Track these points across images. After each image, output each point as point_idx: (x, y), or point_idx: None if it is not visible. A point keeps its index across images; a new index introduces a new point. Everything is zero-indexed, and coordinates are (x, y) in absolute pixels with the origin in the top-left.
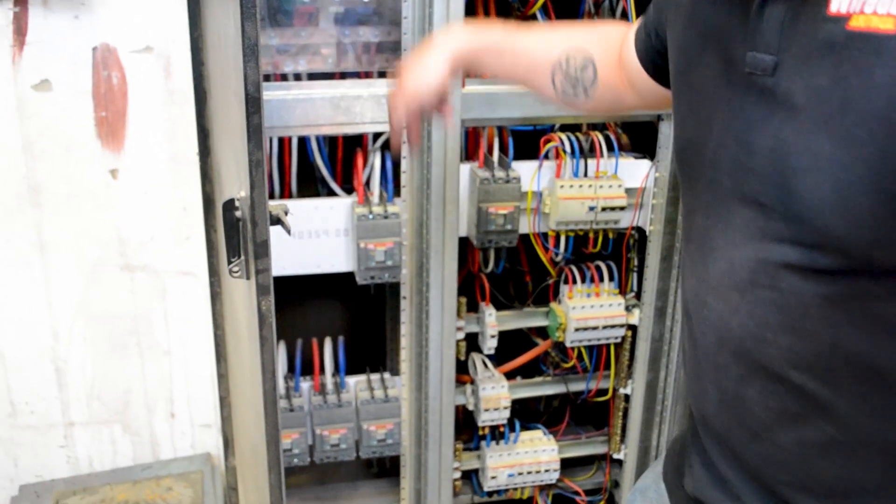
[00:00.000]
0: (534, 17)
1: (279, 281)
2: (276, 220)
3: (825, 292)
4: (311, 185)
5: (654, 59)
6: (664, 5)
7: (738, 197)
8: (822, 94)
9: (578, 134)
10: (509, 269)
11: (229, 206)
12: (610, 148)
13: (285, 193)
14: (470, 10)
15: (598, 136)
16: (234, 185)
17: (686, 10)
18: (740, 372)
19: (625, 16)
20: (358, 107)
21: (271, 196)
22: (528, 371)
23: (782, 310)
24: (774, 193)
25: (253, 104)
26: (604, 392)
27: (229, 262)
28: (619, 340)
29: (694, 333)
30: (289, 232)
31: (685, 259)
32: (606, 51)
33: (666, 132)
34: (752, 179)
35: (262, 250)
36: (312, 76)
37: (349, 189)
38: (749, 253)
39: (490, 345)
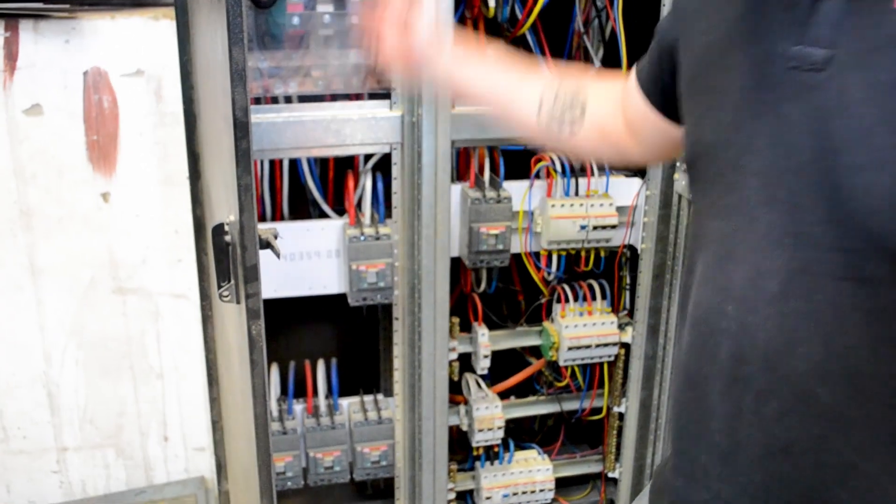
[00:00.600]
0: (523, 38)
1: (271, 303)
2: (266, 245)
3: (868, 304)
4: (303, 207)
5: (663, 87)
6: (673, 24)
7: (766, 200)
8: (886, 89)
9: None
10: (502, 289)
11: (219, 230)
12: (601, 167)
13: (277, 215)
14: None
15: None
16: (224, 208)
17: (706, 16)
18: (761, 387)
19: (613, 36)
20: (348, 129)
21: (262, 218)
22: (522, 390)
23: (817, 322)
24: (817, 195)
25: (241, 129)
26: (598, 411)
27: (219, 287)
28: (612, 359)
29: (705, 345)
30: (278, 256)
31: (698, 266)
32: (601, 95)
33: None
34: (789, 181)
35: (252, 275)
36: (303, 98)
37: (341, 210)
38: (779, 260)
39: (483, 365)
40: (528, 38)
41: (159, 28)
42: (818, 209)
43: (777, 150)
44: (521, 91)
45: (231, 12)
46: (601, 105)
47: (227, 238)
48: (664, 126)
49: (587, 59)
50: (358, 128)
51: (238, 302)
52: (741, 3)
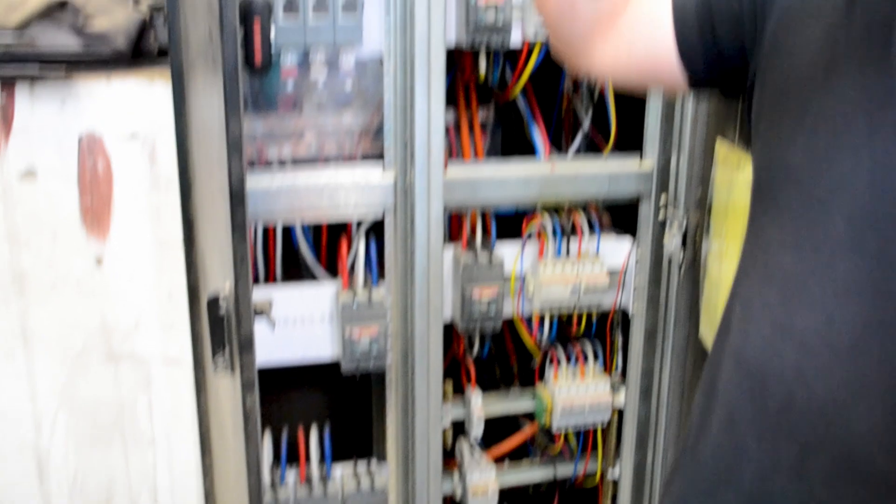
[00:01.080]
0: (514, 102)
1: (264, 370)
2: (261, 314)
3: None
4: (296, 269)
5: (714, 43)
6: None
7: (852, 245)
8: None
9: (561, 213)
10: (495, 352)
11: (214, 302)
12: (591, 228)
13: (270, 278)
14: (451, 94)
15: (580, 216)
16: (219, 276)
17: (831, 18)
18: (808, 440)
19: (602, 99)
20: (342, 194)
21: (256, 280)
22: (516, 452)
23: (887, 382)
24: None
25: (237, 199)
26: (592, 475)
27: (213, 356)
28: (605, 423)
29: (752, 385)
30: (273, 326)
31: (754, 300)
32: None
33: (646, 212)
34: (885, 228)
35: (247, 346)
36: (297, 160)
37: (334, 271)
38: (857, 310)
39: (477, 432)
40: (519, 100)
41: (154, 90)
42: None
43: (875, 193)
44: None
45: (228, 84)
46: None
47: (223, 308)
48: (669, 68)
49: (576, 120)
50: (351, 193)
51: (232, 372)
52: (853, 20)
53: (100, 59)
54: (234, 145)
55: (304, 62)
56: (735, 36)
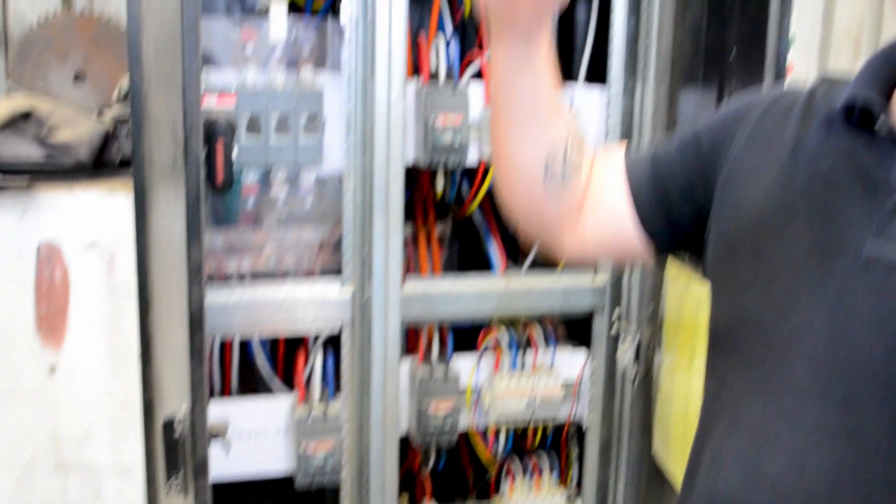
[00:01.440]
0: (471, 217)
1: (217, 484)
2: (216, 436)
3: None
4: (252, 382)
5: (668, 201)
6: (722, 139)
7: (818, 391)
8: None
9: (517, 326)
10: (450, 465)
11: (169, 426)
12: (547, 341)
13: (226, 391)
14: (409, 209)
15: (536, 329)
16: (175, 395)
17: (774, 171)
18: None
19: None
20: (300, 309)
21: (211, 394)
22: None
23: None
24: (882, 397)
25: (195, 325)
26: None
27: (167, 479)
28: None
29: None
30: (228, 449)
31: (724, 444)
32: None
33: (600, 326)
34: (849, 377)
35: (201, 470)
36: (256, 274)
37: (290, 384)
38: (830, 456)
39: None
40: (476, 215)
41: (115, 200)
42: (882, 411)
43: (837, 343)
44: (543, 117)
45: (190, 211)
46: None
47: (178, 433)
48: (637, 245)
49: None
50: (310, 308)
51: (186, 495)
52: (797, 171)
53: (62, 169)
54: (195, 272)
55: (266, 179)
56: (691, 204)
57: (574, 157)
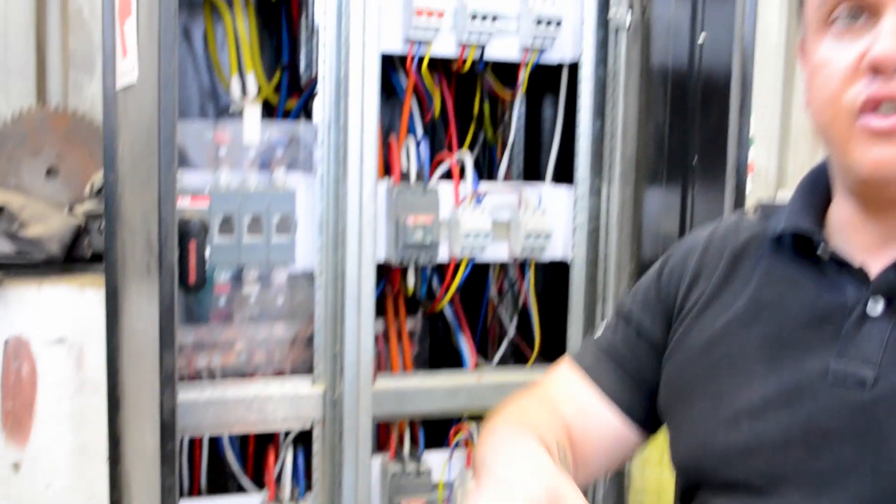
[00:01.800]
0: (441, 312)
1: None
2: None
3: None
4: (222, 480)
5: (638, 373)
6: (663, 302)
7: None
8: None
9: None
10: None
11: None
12: None
13: (195, 489)
14: (380, 305)
15: None
16: (144, 498)
17: (723, 321)
18: None
19: (525, 309)
20: (270, 406)
21: (180, 494)
22: None
23: None
24: None
25: (167, 432)
26: None
27: None
28: None
29: None
30: None
31: None
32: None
33: None
34: (840, 496)
35: None
36: (226, 370)
37: (260, 482)
38: None
39: None
40: (447, 310)
41: (85, 295)
42: None
43: (821, 464)
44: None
45: (164, 318)
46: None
47: None
48: (633, 441)
49: (502, 329)
50: (280, 405)
51: None
52: (753, 328)
53: (33, 263)
54: (167, 378)
55: (238, 277)
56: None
57: (568, 460)
